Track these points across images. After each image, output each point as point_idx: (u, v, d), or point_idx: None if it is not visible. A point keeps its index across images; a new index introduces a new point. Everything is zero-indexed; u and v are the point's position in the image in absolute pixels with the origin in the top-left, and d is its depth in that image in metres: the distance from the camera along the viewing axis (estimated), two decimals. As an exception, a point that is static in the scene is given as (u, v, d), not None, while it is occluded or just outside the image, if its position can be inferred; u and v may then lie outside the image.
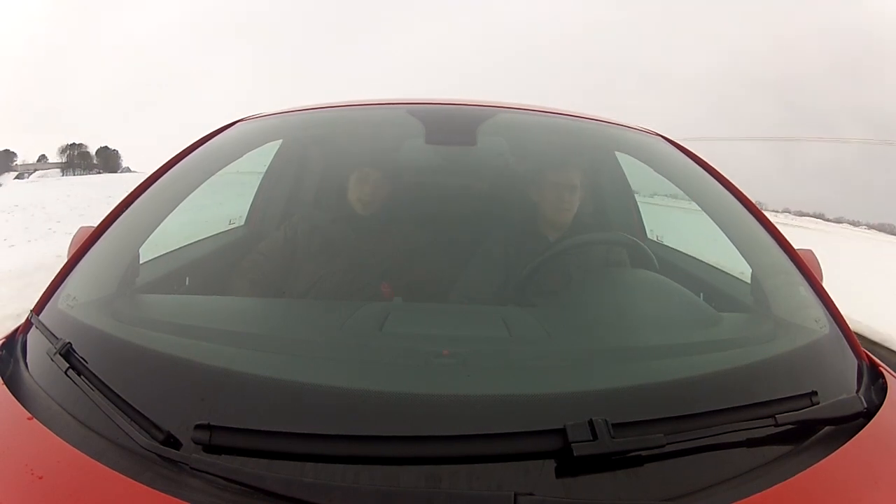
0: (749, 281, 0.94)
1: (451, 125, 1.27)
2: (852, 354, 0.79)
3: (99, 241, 0.90)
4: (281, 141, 1.50)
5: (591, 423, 0.53)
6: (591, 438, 0.52)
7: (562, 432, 0.52)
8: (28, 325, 0.80)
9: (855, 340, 0.81)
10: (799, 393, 0.63)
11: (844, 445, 0.60)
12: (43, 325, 0.74)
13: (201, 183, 1.04)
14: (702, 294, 1.12)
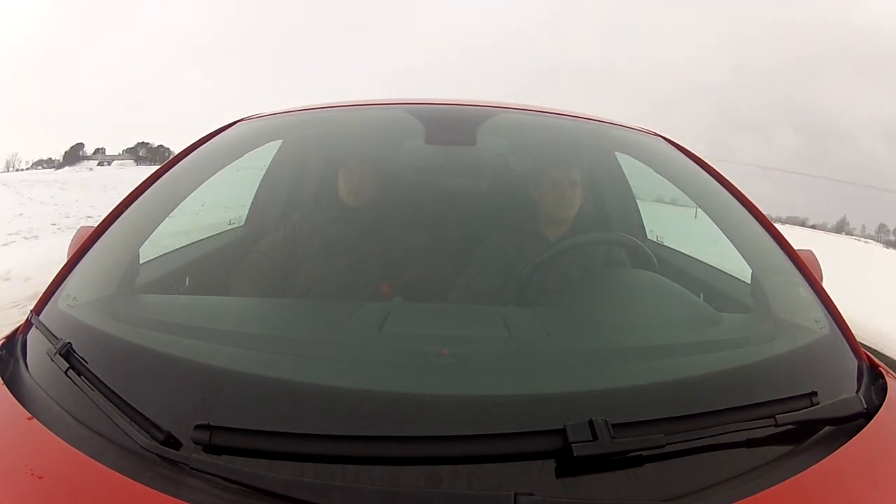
0: (749, 281, 0.94)
1: (451, 125, 1.27)
2: (852, 355, 0.79)
3: (99, 241, 0.90)
4: (281, 141, 1.50)
5: (591, 423, 0.53)
6: (591, 438, 0.52)
7: (562, 432, 0.52)
8: (28, 325, 0.80)
9: (855, 341, 0.81)
10: (799, 393, 0.63)
11: (844, 445, 0.60)
12: (43, 325, 0.74)
13: (201, 183, 1.04)
14: (702, 294, 1.12)
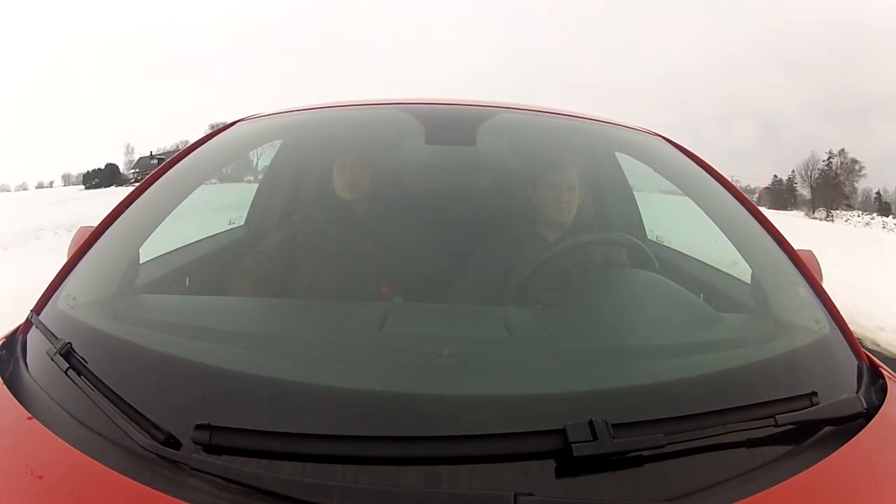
0: (749, 281, 0.94)
1: (451, 125, 1.27)
2: (852, 355, 0.79)
3: (99, 242, 0.90)
4: (281, 141, 1.50)
5: (591, 423, 0.53)
6: (591, 439, 0.52)
7: (562, 432, 0.52)
8: (28, 324, 0.80)
9: (855, 341, 0.81)
10: (799, 393, 0.63)
11: (844, 445, 0.60)
12: (43, 324, 0.74)
13: (201, 183, 1.05)
14: (702, 294, 1.12)
